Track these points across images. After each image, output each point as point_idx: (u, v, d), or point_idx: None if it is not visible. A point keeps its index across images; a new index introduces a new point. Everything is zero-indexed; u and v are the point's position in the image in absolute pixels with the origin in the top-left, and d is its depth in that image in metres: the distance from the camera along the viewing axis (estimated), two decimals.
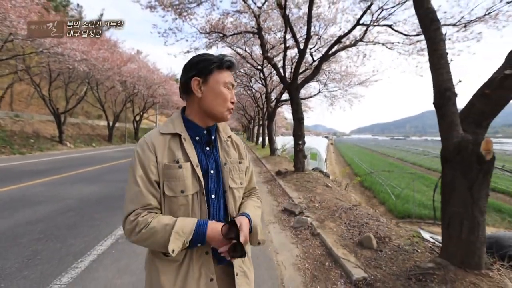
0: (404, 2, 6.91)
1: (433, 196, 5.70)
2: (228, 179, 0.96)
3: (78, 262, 2.71)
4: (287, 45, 8.98)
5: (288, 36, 8.32)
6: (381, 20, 7.44)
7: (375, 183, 14.04)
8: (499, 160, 20.99)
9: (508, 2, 5.69)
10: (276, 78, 15.04)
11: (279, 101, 15.86)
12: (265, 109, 18.32)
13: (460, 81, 2.44)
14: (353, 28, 7.53)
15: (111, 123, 23.77)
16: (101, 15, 31.49)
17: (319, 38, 10.11)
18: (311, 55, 10.15)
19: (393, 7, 7.13)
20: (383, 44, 8.51)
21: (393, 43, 8.37)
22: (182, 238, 0.80)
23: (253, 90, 20.91)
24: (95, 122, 26.15)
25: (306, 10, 7.17)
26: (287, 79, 9.14)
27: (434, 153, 26.67)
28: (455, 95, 2.38)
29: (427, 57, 2.56)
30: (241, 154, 1.05)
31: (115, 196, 5.40)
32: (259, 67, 13.88)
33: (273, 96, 17.95)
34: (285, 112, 37.02)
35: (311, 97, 17.76)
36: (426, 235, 3.59)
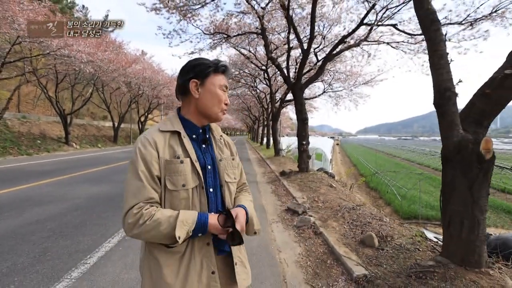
0: (409, 1, 6.83)
1: (440, 196, 5.63)
2: (224, 174, 1.03)
3: (87, 258, 2.81)
4: (291, 45, 8.99)
5: (292, 36, 8.33)
6: (386, 19, 7.39)
7: (381, 183, 13.86)
8: (509, 161, 20.63)
9: None
10: (280, 78, 14.99)
11: (283, 102, 15.83)
12: (269, 110, 18.30)
13: (460, 81, 2.45)
14: (357, 28, 7.49)
15: (116, 124, 24.07)
16: (106, 16, 32.07)
17: (323, 38, 10.07)
18: (316, 55, 10.14)
19: (397, 6, 7.07)
20: (388, 43, 8.46)
21: (398, 42, 8.30)
22: (186, 227, 0.85)
23: (258, 91, 20.86)
24: (101, 123, 26.53)
25: (310, 10, 7.18)
26: (291, 80, 9.17)
27: None
28: (455, 95, 2.39)
29: None
30: (232, 151, 1.14)
31: (121, 196, 5.48)
32: (263, 67, 13.89)
33: (278, 96, 17.88)
34: (290, 112, 36.93)
35: (315, 97, 17.64)
36: (430, 235, 3.58)
